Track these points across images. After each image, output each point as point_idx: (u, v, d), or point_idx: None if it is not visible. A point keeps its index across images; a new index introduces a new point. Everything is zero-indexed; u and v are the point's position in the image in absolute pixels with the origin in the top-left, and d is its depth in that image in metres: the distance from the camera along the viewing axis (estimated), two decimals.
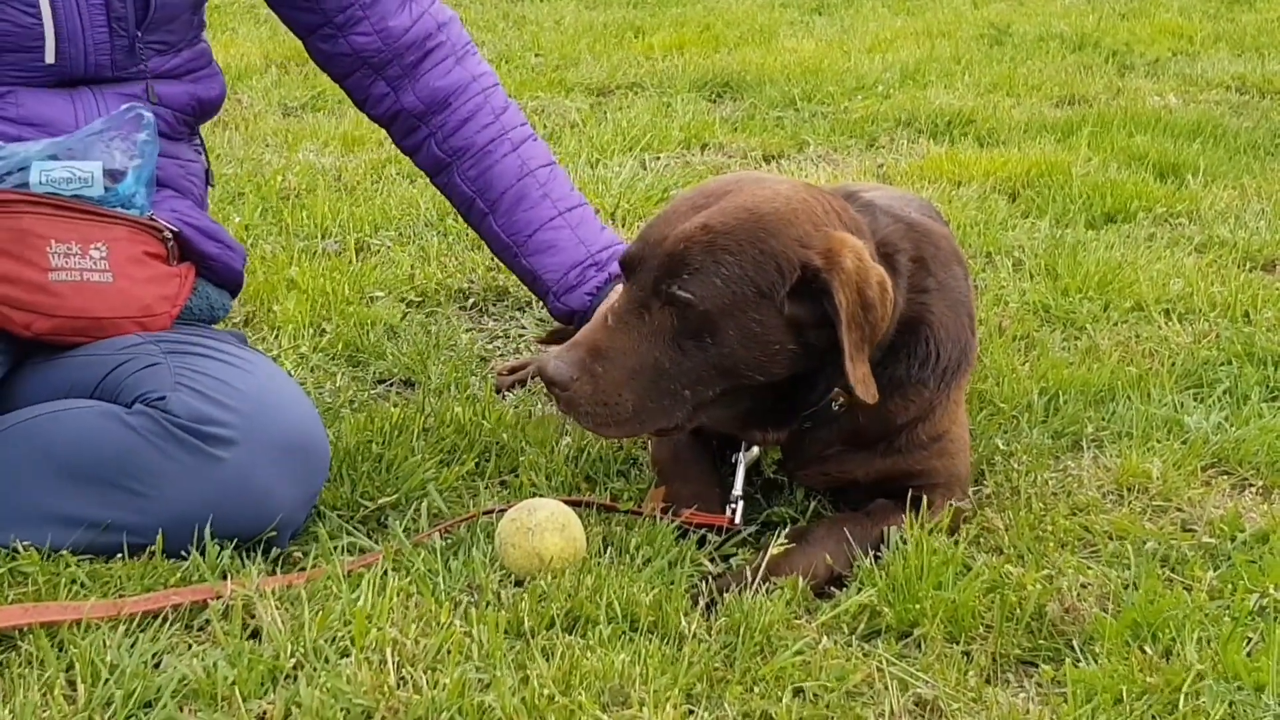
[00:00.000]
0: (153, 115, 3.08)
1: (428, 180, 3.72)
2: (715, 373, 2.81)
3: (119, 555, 2.75)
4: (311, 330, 4.07)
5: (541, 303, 3.70)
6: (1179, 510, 3.16)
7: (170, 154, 3.28)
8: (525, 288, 3.75)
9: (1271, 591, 2.74)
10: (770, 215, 2.80)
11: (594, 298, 3.48)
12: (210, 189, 3.57)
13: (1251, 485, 3.29)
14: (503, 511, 2.87)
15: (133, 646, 2.46)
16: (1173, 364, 3.91)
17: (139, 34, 3.16)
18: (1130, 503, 3.19)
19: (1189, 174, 5.91)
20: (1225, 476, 3.31)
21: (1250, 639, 2.61)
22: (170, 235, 3.11)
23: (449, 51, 3.56)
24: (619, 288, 3.16)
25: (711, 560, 2.88)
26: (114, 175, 3.00)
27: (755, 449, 3.08)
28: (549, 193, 3.55)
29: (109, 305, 2.99)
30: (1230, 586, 2.78)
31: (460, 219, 3.74)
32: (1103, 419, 3.57)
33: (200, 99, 3.37)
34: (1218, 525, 3.04)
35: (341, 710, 2.28)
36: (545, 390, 2.84)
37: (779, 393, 2.90)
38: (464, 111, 3.55)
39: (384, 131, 3.69)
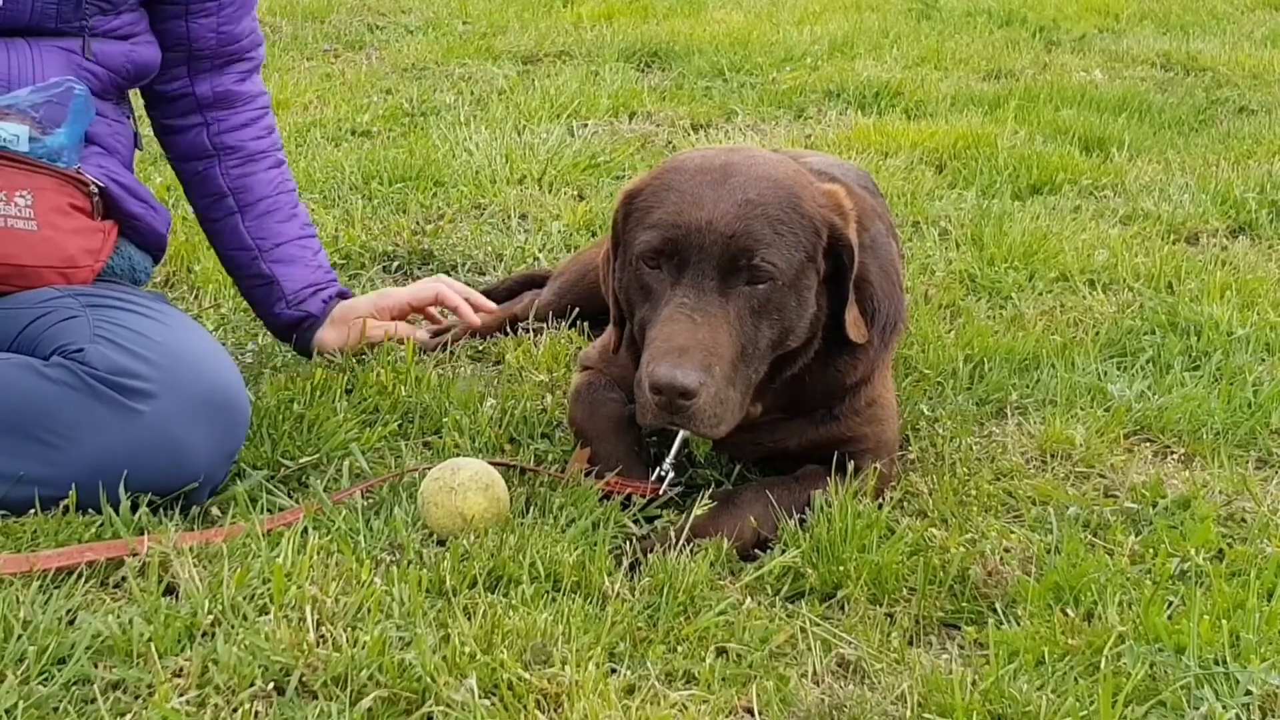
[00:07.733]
0: (85, 88, 3.03)
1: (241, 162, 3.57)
2: (770, 349, 2.79)
3: (31, 510, 2.71)
4: (233, 291, 4.01)
5: (257, 308, 3.67)
6: (1101, 476, 3.18)
7: (100, 112, 3.22)
8: (253, 297, 3.66)
9: (1192, 556, 2.76)
10: (788, 181, 2.80)
11: (316, 319, 3.58)
12: (138, 152, 3.52)
13: (1173, 452, 3.31)
14: (426, 471, 2.85)
15: (46, 602, 2.42)
16: (1097, 333, 3.94)
17: None
18: (1053, 468, 3.21)
19: (1114, 148, 5.96)
20: (1147, 444, 3.33)
21: (1171, 602, 2.63)
22: (96, 190, 3.07)
23: (254, 65, 3.60)
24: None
25: (635, 521, 2.86)
26: (43, 129, 2.95)
27: None
28: (298, 214, 3.63)
29: (33, 253, 2.94)
30: (1151, 551, 2.80)
31: (232, 208, 3.54)
32: (1027, 386, 3.58)
33: (135, 62, 3.30)
34: (1139, 491, 3.07)
35: (260, 667, 2.25)
36: (660, 402, 2.63)
37: (779, 362, 2.88)
38: (245, 116, 3.57)
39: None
